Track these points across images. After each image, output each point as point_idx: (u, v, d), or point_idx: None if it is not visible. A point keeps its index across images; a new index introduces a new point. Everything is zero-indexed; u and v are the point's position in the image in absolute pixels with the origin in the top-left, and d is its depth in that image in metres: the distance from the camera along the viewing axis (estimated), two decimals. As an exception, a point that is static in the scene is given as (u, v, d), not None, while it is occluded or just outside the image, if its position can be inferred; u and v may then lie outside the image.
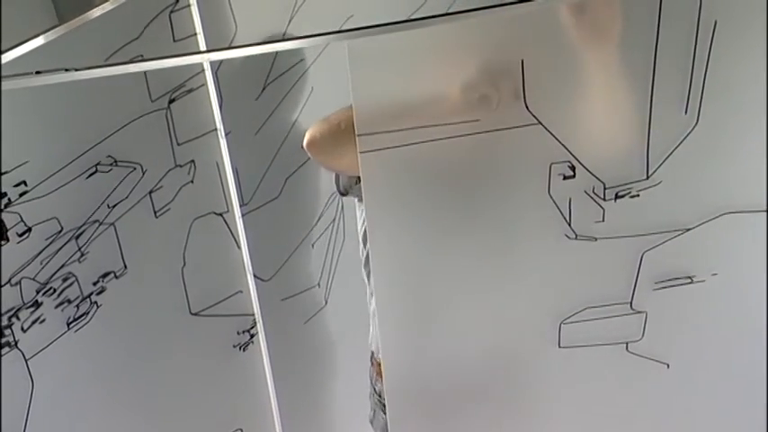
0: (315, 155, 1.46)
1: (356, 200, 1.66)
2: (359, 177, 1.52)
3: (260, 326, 1.99)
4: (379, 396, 1.77)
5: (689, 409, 1.58)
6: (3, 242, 1.33)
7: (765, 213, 1.36)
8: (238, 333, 1.96)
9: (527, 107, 1.24)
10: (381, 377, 1.73)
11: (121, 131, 1.53)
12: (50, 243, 1.42)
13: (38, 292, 1.41)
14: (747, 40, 1.22)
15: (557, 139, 1.27)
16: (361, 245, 1.67)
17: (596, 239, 1.37)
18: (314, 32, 1.17)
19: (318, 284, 2.13)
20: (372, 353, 1.79)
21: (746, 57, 1.24)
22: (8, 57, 1.27)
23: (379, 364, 1.73)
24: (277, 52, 1.80)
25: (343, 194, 1.67)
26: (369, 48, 1.17)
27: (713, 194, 1.35)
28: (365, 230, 1.62)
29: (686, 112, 1.27)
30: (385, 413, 1.75)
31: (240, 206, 1.84)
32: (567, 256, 1.39)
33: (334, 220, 2.13)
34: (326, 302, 2.17)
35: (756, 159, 1.33)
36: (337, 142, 1.41)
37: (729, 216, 1.36)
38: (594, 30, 1.21)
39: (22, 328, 1.39)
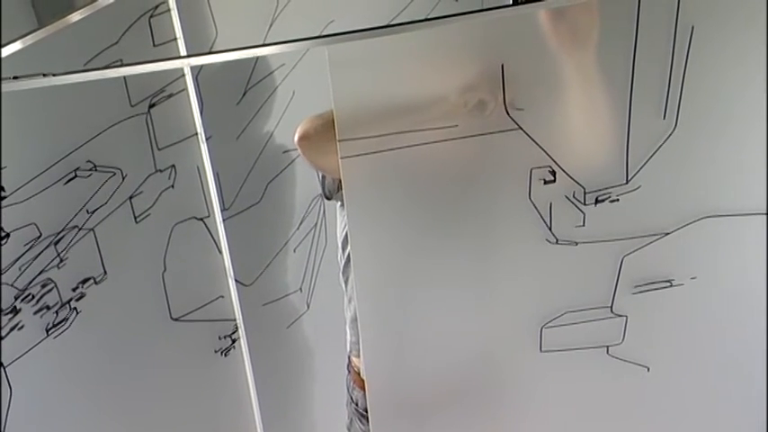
0: (305, 150, 1.44)
1: (338, 204, 1.66)
2: None
3: (241, 331, 1.98)
4: (356, 404, 1.76)
5: (669, 411, 1.59)
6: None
7: (746, 216, 1.38)
8: (220, 338, 1.95)
9: (507, 112, 1.25)
10: (359, 385, 1.73)
11: (101, 136, 1.52)
12: (29, 249, 1.41)
13: (16, 299, 1.40)
14: (725, 45, 1.23)
15: (537, 144, 1.28)
16: (340, 250, 1.66)
17: (577, 244, 1.38)
18: (294, 37, 1.17)
19: (300, 289, 2.13)
20: (350, 360, 1.79)
21: (724, 61, 1.25)
22: (-14, 61, 1.26)
23: (357, 372, 1.73)
24: (258, 57, 1.80)
25: (327, 198, 1.66)
26: (349, 53, 1.17)
27: (692, 198, 1.36)
28: (345, 236, 1.62)
29: (665, 117, 1.28)
30: (361, 422, 1.75)
31: (221, 211, 1.83)
32: (547, 261, 1.40)
33: (315, 224, 2.13)
34: (309, 307, 2.16)
35: (735, 163, 1.34)
36: (330, 139, 1.39)
37: (708, 220, 1.37)
38: (573, 35, 1.21)
39: (0, 335, 1.38)
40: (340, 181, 1.52)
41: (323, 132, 1.38)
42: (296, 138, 1.43)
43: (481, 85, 1.23)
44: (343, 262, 1.66)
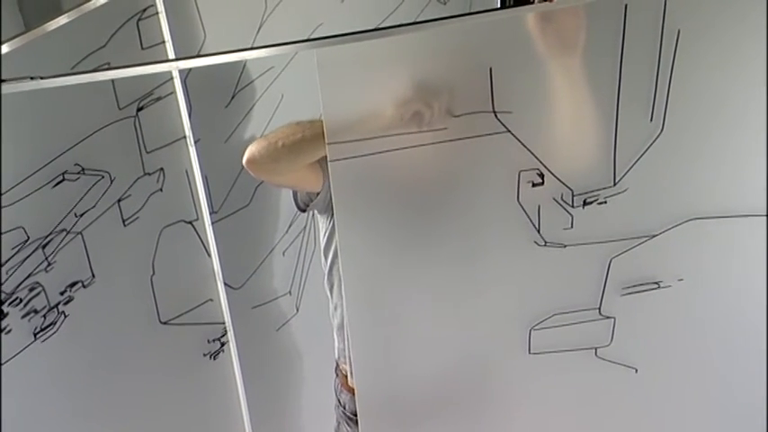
0: (254, 172, 1.46)
1: (316, 212, 1.65)
2: (317, 192, 1.52)
3: (230, 334, 1.98)
4: (344, 408, 1.76)
5: (657, 412, 1.60)
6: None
7: (733, 218, 1.39)
8: (209, 341, 1.95)
9: (496, 115, 1.25)
10: (346, 388, 1.73)
11: (89, 140, 1.52)
12: (16, 252, 1.40)
13: (3, 303, 1.39)
14: (710, 48, 1.24)
15: (525, 146, 1.28)
16: (323, 257, 1.66)
17: (565, 246, 1.39)
18: (283, 40, 1.17)
19: (290, 292, 2.13)
20: (337, 364, 1.79)
21: (710, 64, 1.26)
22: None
23: (345, 376, 1.73)
24: (246, 60, 1.80)
25: (302, 210, 1.65)
26: (337, 56, 1.17)
27: (679, 200, 1.37)
28: (326, 242, 1.62)
29: (652, 120, 1.29)
30: (349, 425, 1.75)
31: (210, 214, 1.83)
32: (536, 263, 1.40)
33: (304, 227, 2.13)
34: (298, 310, 2.16)
35: (721, 165, 1.35)
36: (276, 160, 1.41)
37: (694, 222, 1.38)
38: (561, 39, 1.22)
39: (-13, 339, 1.38)
40: (315, 192, 1.53)
41: (266, 155, 1.41)
42: (244, 162, 1.44)
43: (467, 88, 1.24)
44: (327, 269, 1.65)
